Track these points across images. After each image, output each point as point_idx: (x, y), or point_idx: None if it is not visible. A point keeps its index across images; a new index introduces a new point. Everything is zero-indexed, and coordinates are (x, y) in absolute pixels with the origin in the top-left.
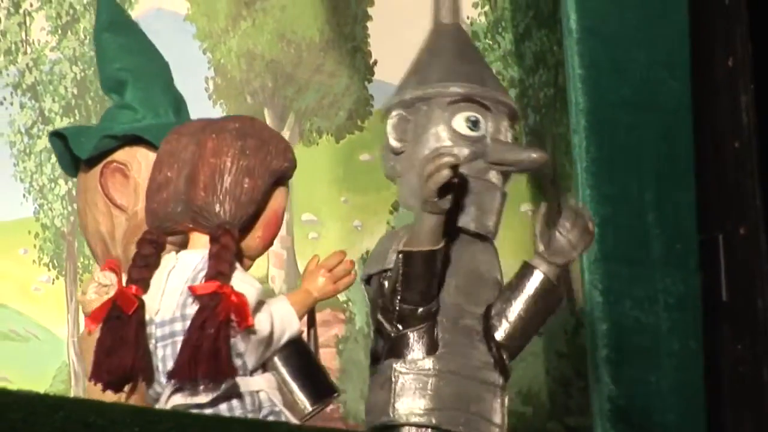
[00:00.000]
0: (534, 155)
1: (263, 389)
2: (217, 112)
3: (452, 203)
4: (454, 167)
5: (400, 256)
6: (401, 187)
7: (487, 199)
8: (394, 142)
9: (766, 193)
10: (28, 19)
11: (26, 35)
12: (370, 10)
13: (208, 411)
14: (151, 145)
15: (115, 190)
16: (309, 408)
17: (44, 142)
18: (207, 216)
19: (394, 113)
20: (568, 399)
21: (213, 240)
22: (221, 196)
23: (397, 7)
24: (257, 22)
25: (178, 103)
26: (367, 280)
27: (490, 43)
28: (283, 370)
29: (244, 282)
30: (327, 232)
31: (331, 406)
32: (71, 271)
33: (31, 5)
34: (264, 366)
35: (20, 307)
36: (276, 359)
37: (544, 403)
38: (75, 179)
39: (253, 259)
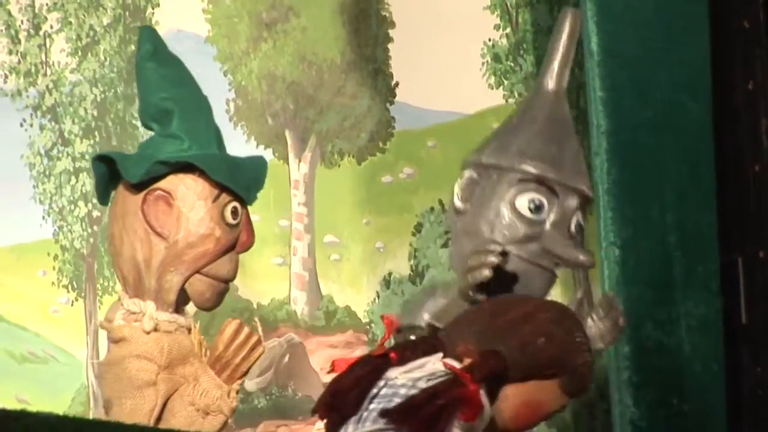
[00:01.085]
0: (582, 258)
1: None
2: (237, 133)
3: (500, 286)
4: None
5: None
6: (452, 246)
7: (536, 283)
8: (458, 202)
9: None
10: (48, 40)
11: (46, 57)
12: (392, 32)
13: None
14: (196, 175)
15: (156, 218)
16: None
17: (64, 164)
18: (491, 339)
19: (466, 173)
20: (592, 420)
21: (481, 355)
22: (515, 334)
23: (418, 29)
24: (278, 43)
25: (219, 137)
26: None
27: (512, 65)
28: None
29: (484, 397)
30: (349, 253)
31: None
32: (90, 293)
33: (51, 27)
34: None
35: (39, 329)
36: None
37: (568, 425)
38: (96, 200)
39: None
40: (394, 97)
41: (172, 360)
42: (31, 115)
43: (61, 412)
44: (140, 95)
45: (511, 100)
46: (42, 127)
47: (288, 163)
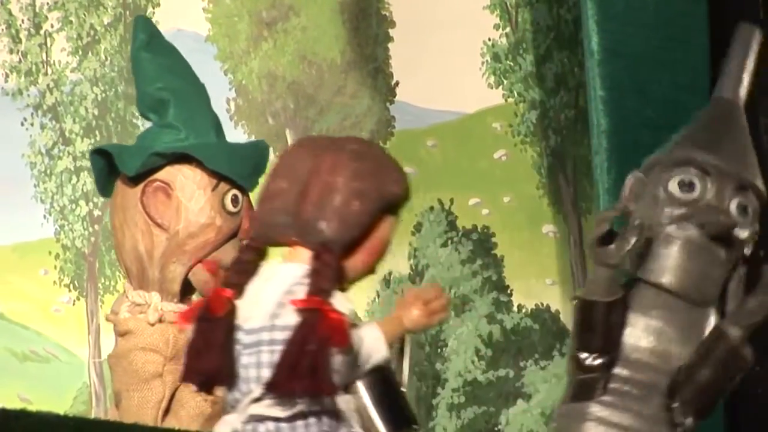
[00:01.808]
0: (741, 233)
1: (343, 410)
2: (238, 133)
3: (632, 260)
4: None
5: (575, 302)
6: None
7: (696, 263)
8: (629, 205)
9: None
10: (48, 40)
11: (47, 56)
12: (392, 31)
13: (284, 425)
14: (194, 165)
15: (156, 209)
16: None
17: (65, 163)
18: (312, 232)
19: (632, 176)
20: None
21: (315, 257)
22: (328, 214)
23: (418, 28)
24: (278, 43)
25: (217, 125)
26: None
27: (511, 64)
28: (366, 396)
29: (341, 302)
30: None
31: None
32: (92, 292)
33: (52, 26)
34: (346, 388)
35: (41, 328)
36: (360, 384)
37: None
38: (96, 199)
39: (351, 282)
40: (394, 96)
41: (178, 351)
42: (32, 114)
43: (62, 411)
44: (136, 86)
45: (510, 100)
46: (43, 126)
47: None
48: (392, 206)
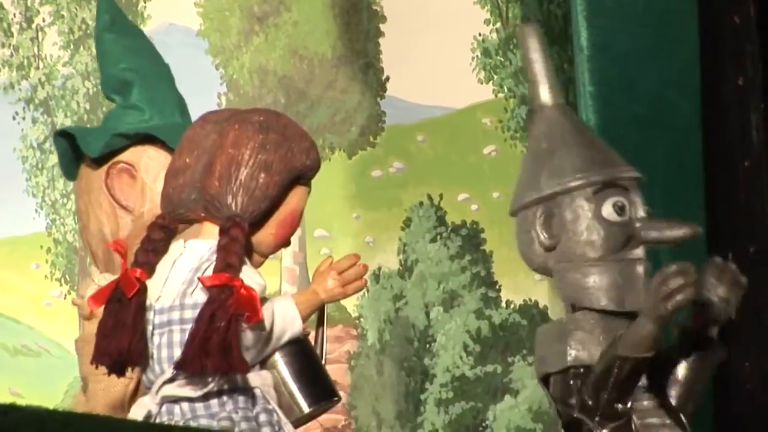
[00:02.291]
0: (686, 230)
1: (257, 386)
2: None
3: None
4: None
5: (617, 361)
6: (560, 282)
7: (634, 278)
8: (546, 241)
9: None
10: (40, 34)
11: (39, 50)
12: (383, 27)
13: (198, 405)
14: (158, 146)
15: (121, 190)
16: (306, 410)
17: (56, 157)
18: (218, 206)
19: (539, 212)
20: None
21: (222, 231)
22: (235, 188)
23: (409, 24)
24: (270, 37)
25: (182, 104)
26: (545, 379)
27: (502, 59)
28: (284, 370)
29: (251, 277)
30: (339, 247)
31: (342, 422)
32: (83, 287)
33: (44, 20)
34: (262, 363)
35: (32, 322)
36: (278, 358)
37: (554, 420)
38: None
39: (264, 256)
40: (385, 91)
41: None
42: (24, 108)
43: (53, 405)
44: (100, 67)
45: (500, 95)
46: (35, 120)
47: None
48: (301, 176)
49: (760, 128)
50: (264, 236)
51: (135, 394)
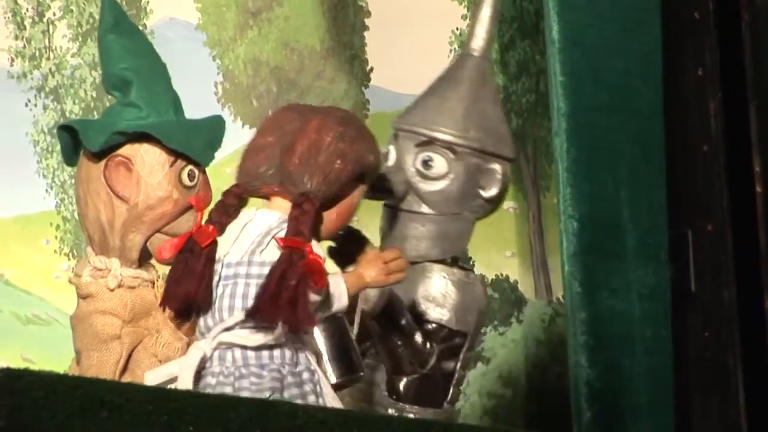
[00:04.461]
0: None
1: (303, 348)
2: (225, 114)
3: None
4: None
5: None
6: None
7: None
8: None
9: (731, 192)
10: (51, 27)
11: (49, 42)
12: (368, 21)
13: (250, 353)
14: (153, 142)
15: (118, 182)
16: (334, 380)
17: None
18: (295, 182)
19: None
20: (545, 383)
21: (295, 205)
22: (312, 168)
23: (392, 19)
24: (263, 31)
25: (177, 103)
26: None
27: None
28: (321, 340)
29: (318, 248)
30: None
31: None
32: (80, 267)
33: (54, 14)
34: (306, 331)
35: (43, 294)
36: (316, 329)
37: (523, 386)
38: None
39: (320, 240)
40: (369, 81)
41: (135, 314)
42: (36, 96)
43: (62, 370)
44: (102, 65)
45: None
46: (45, 107)
47: None
48: (366, 174)
49: (717, 115)
50: (325, 221)
51: (125, 371)
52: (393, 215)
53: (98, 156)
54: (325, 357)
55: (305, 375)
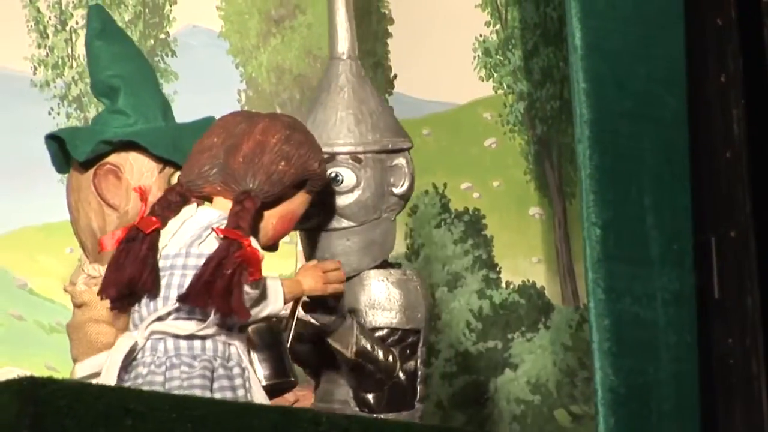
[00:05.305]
0: None
1: (235, 344)
2: None
3: None
4: None
5: None
6: None
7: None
8: None
9: (755, 198)
10: (73, 35)
11: (72, 50)
12: (390, 28)
13: (182, 343)
14: (142, 149)
15: (107, 190)
16: (264, 382)
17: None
18: (237, 180)
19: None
20: (573, 388)
21: (236, 202)
22: (255, 168)
23: (415, 26)
24: (286, 39)
25: (166, 107)
26: None
27: (501, 59)
28: (254, 343)
29: (256, 244)
30: None
31: None
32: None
33: (77, 23)
34: (241, 327)
35: (66, 302)
36: (250, 330)
37: (551, 392)
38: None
39: (261, 246)
40: (393, 88)
41: (128, 322)
42: (59, 104)
43: None
44: (90, 72)
45: (500, 91)
46: (68, 116)
47: None
48: (310, 180)
49: (740, 122)
50: (265, 223)
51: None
52: (313, 237)
53: (87, 164)
54: (257, 360)
55: (236, 369)
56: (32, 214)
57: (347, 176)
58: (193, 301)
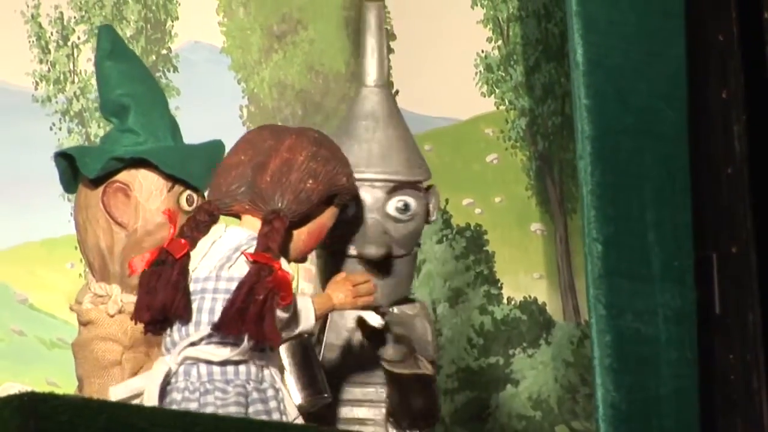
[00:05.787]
0: (369, 250)
1: (269, 366)
2: None
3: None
4: None
5: None
6: None
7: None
8: None
9: (756, 215)
10: (75, 50)
11: (74, 66)
12: (393, 44)
13: (216, 369)
14: (151, 167)
15: (116, 208)
16: (299, 401)
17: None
18: (265, 199)
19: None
20: (575, 405)
21: (265, 222)
22: (283, 187)
23: (417, 42)
24: (288, 54)
25: (175, 128)
26: None
27: (503, 74)
28: (286, 361)
29: (286, 266)
30: None
31: None
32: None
33: (79, 38)
34: (272, 348)
35: (68, 317)
36: (282, 349)
37: (552, 408)
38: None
39: (289, 260)
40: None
41: (135, 340)
42: (60, 119)
43: None
44: (99, 92)
45: (501, 107)
46: (70, 131)
47: None
48: (339, 195)
49: (741, 138)
50: (295, 240)
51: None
52: (365, 264)
53: (96, 182)
54: (290, 378)
55: (270, 392)
56: (33, 229)
57: (414, 205)
58: (226, 329)
